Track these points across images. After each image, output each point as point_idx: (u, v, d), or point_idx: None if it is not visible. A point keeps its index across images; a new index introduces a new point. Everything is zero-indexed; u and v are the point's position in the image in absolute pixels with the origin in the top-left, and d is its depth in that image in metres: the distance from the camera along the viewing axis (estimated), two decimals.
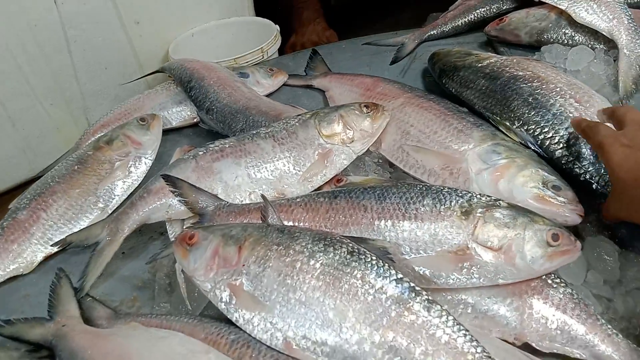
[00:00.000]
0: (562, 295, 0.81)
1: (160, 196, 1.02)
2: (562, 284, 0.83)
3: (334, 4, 2.04)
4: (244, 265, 0.81)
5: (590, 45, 1.36)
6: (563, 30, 1.42)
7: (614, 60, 1.29)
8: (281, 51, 1.83)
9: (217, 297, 0.81)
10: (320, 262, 0.78)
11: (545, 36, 1.43)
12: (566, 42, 1.39)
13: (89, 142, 1.27)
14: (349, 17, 2.16)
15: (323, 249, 0.79)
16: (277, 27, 1.78)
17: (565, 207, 0.93)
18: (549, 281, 0.83)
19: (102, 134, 1.29)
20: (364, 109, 1.12)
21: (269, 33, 1.74)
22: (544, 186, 0.95)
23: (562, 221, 0.92)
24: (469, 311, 0.82)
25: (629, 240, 0.94)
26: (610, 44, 1.35)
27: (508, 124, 1.09)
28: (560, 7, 1.42)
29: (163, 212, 1.02)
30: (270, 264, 0.79)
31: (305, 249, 0.79)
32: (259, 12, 1.97)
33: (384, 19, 2.28)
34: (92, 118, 1.71)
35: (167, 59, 1.75)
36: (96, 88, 1.70)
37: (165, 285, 0.96)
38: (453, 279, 0.82)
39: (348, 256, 0.78)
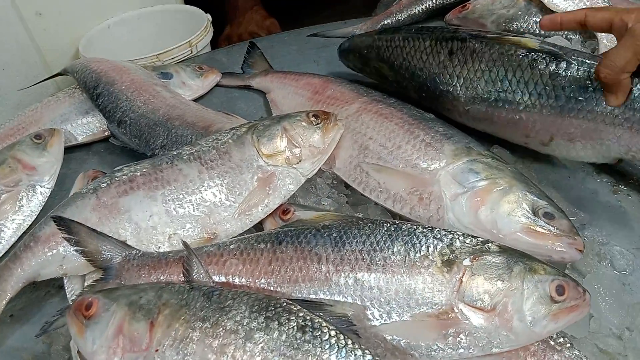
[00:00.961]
0: None
1: (52, 245, 0.78)
2: (567, 345, 0.66)
3: None
4: (157, 350, 0.60)
5: (565, 36, 1.20)
6: (534, 19, 1.25)
7: (592, 53, 1.14)
8: (214, 44, 1.59)
9: None
10: (260, 345, 0.57)
11: (514, 25, 1.27)
12: (538, 31, 1.23)
13: None
14: (292, 3, 1.93)
15: (264, 325, 0.59)
16: (209, 16, 1.54)
17: (561, 241, 0.75)
18: (552, 342, 0.66)
19: None
20: (313, 120, 0.91)
21: (198, 23, 1.50)
22: (534, 214, 0.77)
23: (559, 258, 0.75)
24: None
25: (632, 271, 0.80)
26: (587, 34, 1.19)
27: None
28: None
29: (56, 267, 0.78)
30: (193, 349, 0.58)
31: (239, 327, 0.59)
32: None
33: (332, 5, 2.07)
34: None
35: (78, 56, 1.48)
36: None
37: None
38: (436, 351, 0.63)
39: (298, 334, 0.58)
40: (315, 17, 1.98)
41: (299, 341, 0.58)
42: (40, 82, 1.32)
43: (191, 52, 1.41)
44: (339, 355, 0.57)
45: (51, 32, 1.49)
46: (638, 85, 0.82)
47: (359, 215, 0.86)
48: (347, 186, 0.94)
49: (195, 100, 1.21)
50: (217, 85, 1.28)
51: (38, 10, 1.45)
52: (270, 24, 1.70)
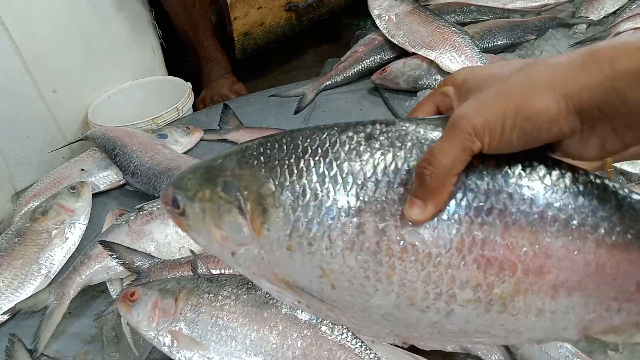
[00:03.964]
0: None
1: (100, 260, 1.16)
2: None
3: (239, 57, 2.23)
4: (180, 313, 0.98)
5: None
6: (434, 77, 1.69)
7: None
8: (194, 105, 2.00)
9: (160, 343, 0.97)
10: (243, 303, 0.96)
11: (420, 82, 1.70)
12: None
13: (24, 213, 1.38)
14: (254, 67, 2.37)
15: (246, 291, 0.97)
16: (189, 84, 1.95)
17: None
18: None
19: (34, 204, 1.41)
20: None
21: (182, 91, 1.91)
22: None
23: None
24: None
25: None
26: None
27: None
28: (429, 57, 1.69)
29: (103, 274, 1.16)
30: (203, 310, 0.97)
31: (231, 294, 0.97)
32: (171, 70, 2.13)
33: (288, 62, 2.52)
34: (17, 184, 1.79)
35: (86, 122, 1.87)
36: (19, 156, 1.80)
37: (112, 337, 1.10)
38: None
39: (268, 295, 0.97)
40: (275, 76, 2.42)
41: (266, 298, 0.97)
42: (67, 145, 1.72)
43: (178, 115, 1.81)
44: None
45: (64, 105, 1.87)
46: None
47: None
48: None
49: (186, 153, 1.61)
50: (201, 140, 1.68)
51: (54, 88, 1.83)
52: (239, 87, 2.12)
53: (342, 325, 0.92)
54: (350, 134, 0.57)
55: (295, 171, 0.56)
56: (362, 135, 0.57)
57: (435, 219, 0.54)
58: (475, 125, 0.52)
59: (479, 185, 0.55)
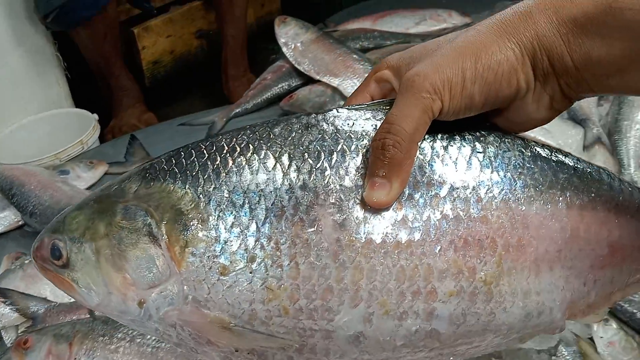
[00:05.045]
0: None
1: None
2: None
3: (149, 85, 2.22)
4: (75, 358, 0.96)
5: None
6: (338, 103, 1.74)
7: None
8: (103, 135, 1.96)
9: None
10: (138, 343, 0.95)
11: (325, 108, 1.74)
12: None
13: None
14: (167, 94, 2.36)
15: (141, 333, 0.97)
16: (96, 116, 1.92)
17: None
18: None
19: None
20: None
21: (87, 124, 1.87)
22: None
23: None
24: None
25: None
26: None
27: None
28: (332, 84, 1.75)
29: None
30: (98, 353, 0.95)
31: (126, 335, 0.97)
32: (79, 101, 2.09)
33: (203, 88, 2.52)
34: None
35: None
36: None
37: None
38: None
39: None
40: (187, 102, 2.42)
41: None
42: None
43: (83, 148, 1.77)
44: None
45: None
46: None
47: None
48: None
49: (89, 188, 1.58)
50: (106, 173, 1.65)
51: None
52: (148, 117, 2.10)
53: None
54: (285, 125, 0.50)
55: (223, 172, 0.47)
56: (298, 125, 0.50)
57: (401, 199, 0.47)
58: (433, 82, 0.47)
59: (439, 159, 0.50)
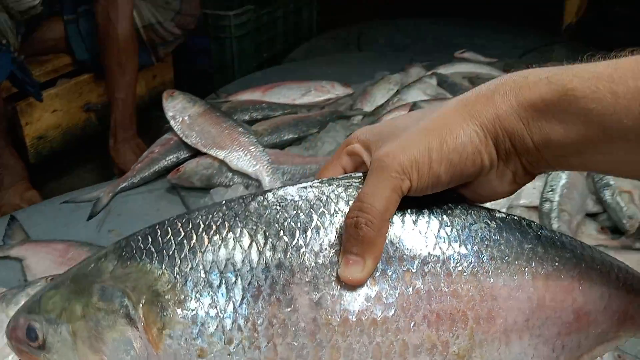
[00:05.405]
0: None
1: None
2: None
3: (33, 162, 2.16)
4: None
5: (245, 185, 1.75)
6: (225, 174, 1.79)
7: None
8: None
9: None
10: None
11: (212, 181, 1.79)
12: (228, 184, 1.76)
13: None
14: (55, 169, 2.30)
15: None
16: None
17: None
18: None
19: None
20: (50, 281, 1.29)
21: None
22: None
23: None
24: None
25: None
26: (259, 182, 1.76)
27: None
28: (219, 157, 1.80)
29: None
30: None
31: None
32: None
33: (92, 161, 2.49)
34: None
35: None
36: None
37: None
38: None
39: None
40: (76, 173, 2.37)
41: None
42: None
43: None
44: None
45: None
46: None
47: None
48: None
49: None
50: None
51: None
52: (31, 195, 2.03)
53: None
54: (260, 200, 0.51)
55: (199, 252, 0.48)
56: (273, 200, 0.51)
57: (375, 276, 0.49)
58: (402, 162, 0.50)
59: (409, 234, 0.51)
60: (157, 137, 2.05)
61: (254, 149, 1.77)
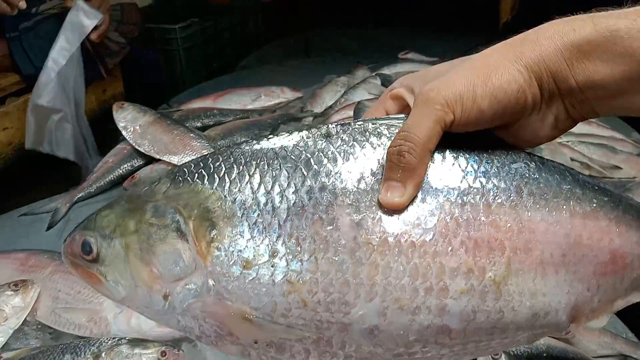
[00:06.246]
0: None
1: None
2: None
3: None
4: None
5: None
6: None
7: None
8: None
9: None
10: None
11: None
12: None
13: None
14: (7, 189, 2.30)
15: None
16: None
17: None
18: None
19: None
20: (14, 287, 1.32)
21: None
22: None
23: None
24: None
25: None
26: None
27: None
28: (173, 162, 1.85)
29: None
30: None
31: None
32: None
33: (46, 179, 2.49)
34: None
35: None
36: None
37: None
38: None
39: None
40: (31, 192, 2.37)
41: None
42: None
43: None
44: None
45: None
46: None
47: None
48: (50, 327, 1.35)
49: None
50: None
51: None
52: None
53: None
54: (306, 134, 0.54)
55: (248, 175, 0.51)
56: (318, 134, 0.54)
57: (414, 202, 0.51)
58: (446, 96, 0.51)
59: (449, 167, 0.53)
60: (112, 146, 2.09)
61: (206, 152, 1.84)
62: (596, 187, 0.59)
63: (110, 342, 1.14)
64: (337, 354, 0.51)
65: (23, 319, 1.30)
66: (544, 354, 1.12)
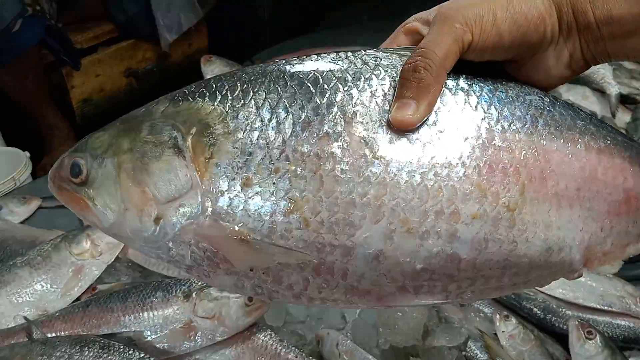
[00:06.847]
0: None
1: None
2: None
3: (80, 123, 2.27)
4: None
5: None
6: None
7: None
8: (35, 172, 1.99)
9: None
10: None
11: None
12: None
13: None
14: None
15: (79, 350, 1.04)
16: (27, 154, 1.95)
17: None
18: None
19: None
20: None
21: (19, 161, 1.90)
22: None
23: None
24: None
25: None
26: None
27: None
28: None
29: None
30: None
31: (65, 354, 1.03)
32: (11, 139, 2.11)
33: None
34: None
35: None
36: None
37: None
38: (185, 347, 1.12)
39: (100, 351, 1.04)
40: None
41: (101, 354, 1.04)
42: None
43: (15, 185, 1.81)
44: (124, 356, 1.03)
45: None
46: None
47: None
48: (140, 266, 1.41)
49: (23, 222, 1.62)
50: (40, 208, 1.69)
51: None
52: None
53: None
54: (315, 57, 0.52)
55: (252, 92, 0.48)
56: (327, 56, 0.52)
57: (427, 123, 0.48)
58: (466, 15, 0.49)
59: (464, 93, 0.51)
60: None
61: None
62: (609, 127, 0.57)
63: (200, 283, 1.18)
64: (337, 284, 0.47)
65: (115, 256, 1.37)
66: None
